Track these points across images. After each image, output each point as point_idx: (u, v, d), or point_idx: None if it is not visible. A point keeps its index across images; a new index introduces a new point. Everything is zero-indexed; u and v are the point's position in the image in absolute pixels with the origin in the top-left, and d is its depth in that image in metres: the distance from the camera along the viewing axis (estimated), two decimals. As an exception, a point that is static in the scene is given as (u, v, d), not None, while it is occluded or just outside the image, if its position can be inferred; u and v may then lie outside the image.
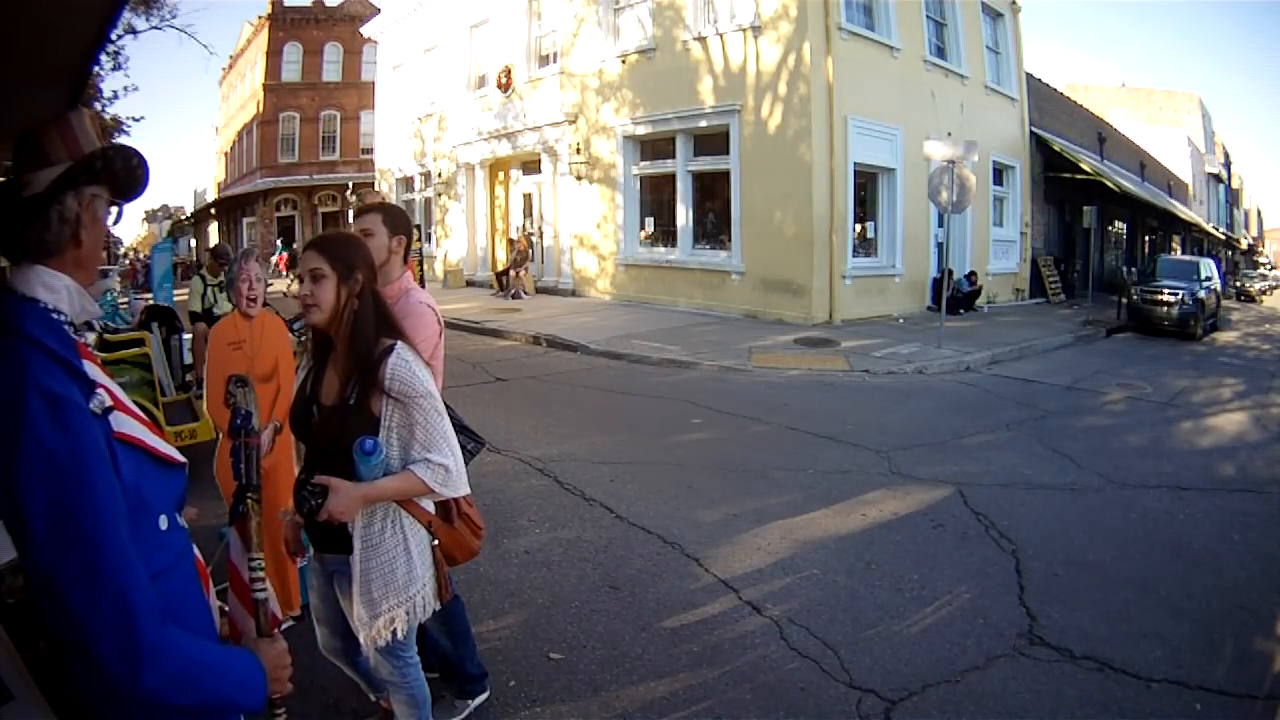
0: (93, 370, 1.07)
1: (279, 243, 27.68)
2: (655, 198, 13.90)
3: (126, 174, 1.14)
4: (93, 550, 0.94)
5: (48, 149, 1.09)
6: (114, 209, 1.18)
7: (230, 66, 35.16)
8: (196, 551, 1.23)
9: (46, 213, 1.07)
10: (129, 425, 1.08)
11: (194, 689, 1.00)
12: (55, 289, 1.07)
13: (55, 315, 1.06)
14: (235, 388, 1.47)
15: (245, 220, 31.95)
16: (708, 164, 12.57)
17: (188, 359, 6.28)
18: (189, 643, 1.02)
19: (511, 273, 15.11)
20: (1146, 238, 26.69)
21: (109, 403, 1.05)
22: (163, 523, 1.11)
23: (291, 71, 29.46)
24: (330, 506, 1.67)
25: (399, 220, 2.33)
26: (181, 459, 1.17)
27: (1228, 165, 46.47)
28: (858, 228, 12.48)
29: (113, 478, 0.99)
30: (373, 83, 23.62)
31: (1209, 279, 13.93)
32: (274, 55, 29.09)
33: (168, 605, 1.02)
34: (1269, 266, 44.93)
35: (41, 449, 0.93)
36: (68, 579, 0.92)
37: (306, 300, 1.78)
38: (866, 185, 12.64)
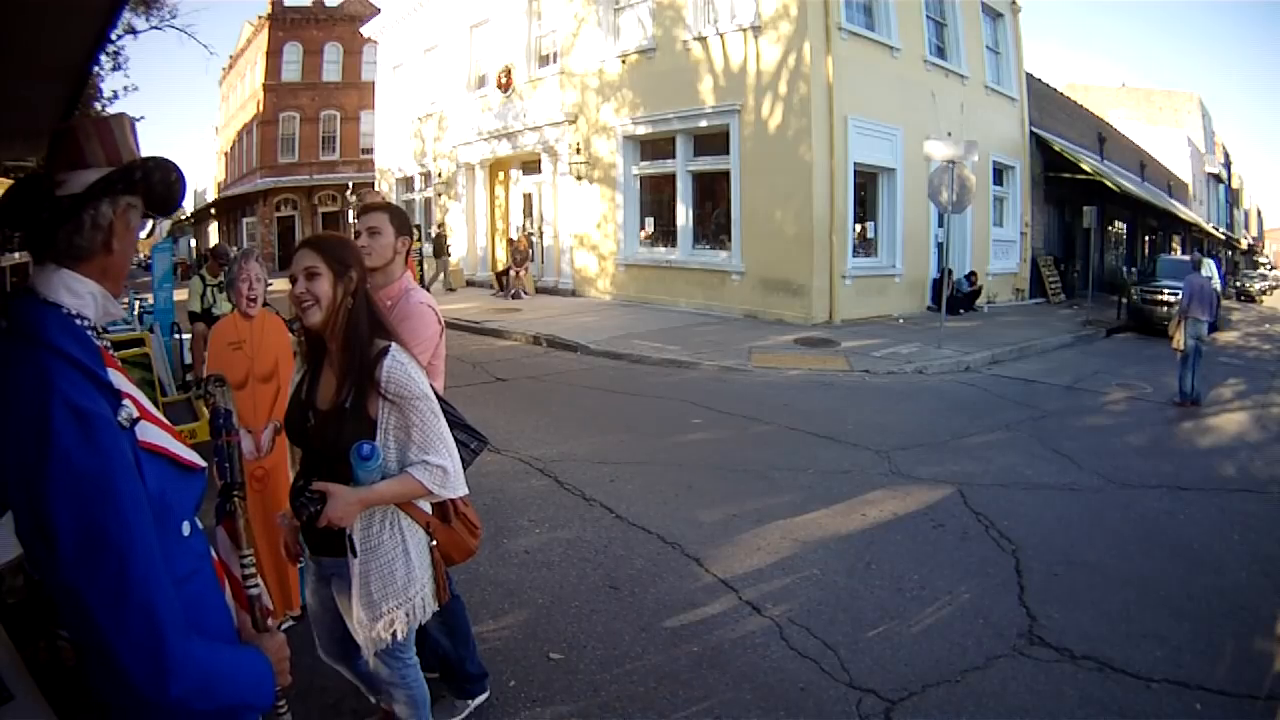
0: (118, 379, 1.04)
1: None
2: (655, 198, 13.89)
3: (165, 188, 1.11)
4: (120, 567, 0.93)
5: (85, 150, 1.05)
6: (149, 222, 1.15)
7: (230, 66, 35.14)
8: (214, 552, 1.24)
9: (80, 215, 1.03)
10: (154, 434, 1.07)
11: (217, 695, 1.02)
12: (79, 294, 1.04)
13: (79, 321, 1.03)
14: (214, 386, 1.46)
15: (245, 220, 31.91)
16: (708, 164, 12.57)
17: (187, 359, 6.30)
18: (209, 651, 1.03)
19: (512, 272, 15.11)
20: (1146, 238, 26.68)
21: (136, 414, 1.03)
22: (185, 528, 1.11)
23: (291, 71, 29.40)
24: (329, 512, 1.66)
25: (403, 220, 2.37)
26: (202, 463, 1.16)
27: (1228, 165, 46.45)
28: (858, 228, 12.47)
29: (140, 491, 0.98)
30: (373, 83, 23.59)
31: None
32: (274, 55, 29.04)
33: (190, 609, 1.02)
34: (1269, 266, 44.94)
35: (70, 467, 0.92)
36: (94, 596, 0.92)
37: (303, 299, 1.73)
38: (866, 185, 12.63)
